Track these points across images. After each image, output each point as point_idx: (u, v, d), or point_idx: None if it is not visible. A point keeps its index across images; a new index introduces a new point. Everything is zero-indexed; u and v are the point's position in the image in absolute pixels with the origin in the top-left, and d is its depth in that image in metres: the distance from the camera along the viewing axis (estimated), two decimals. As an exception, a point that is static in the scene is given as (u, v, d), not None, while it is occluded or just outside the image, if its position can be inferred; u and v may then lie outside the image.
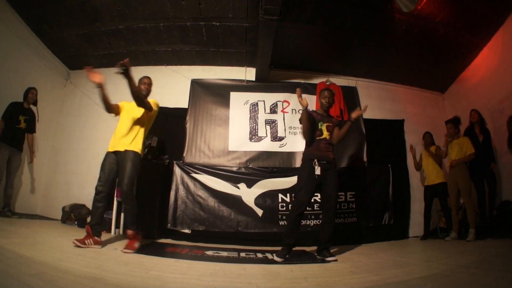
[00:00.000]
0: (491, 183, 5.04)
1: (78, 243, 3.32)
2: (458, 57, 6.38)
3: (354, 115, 3.94)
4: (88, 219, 5.45)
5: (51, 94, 6.42)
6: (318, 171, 3.75)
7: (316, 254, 3.82)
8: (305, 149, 4.03)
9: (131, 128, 3.87)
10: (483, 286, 2.12)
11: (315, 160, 3.80)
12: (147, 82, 4.13)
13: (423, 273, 2.66)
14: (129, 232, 3.68)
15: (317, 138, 3.94)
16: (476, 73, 6.34)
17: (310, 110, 4.05)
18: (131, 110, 3.96)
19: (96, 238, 3.53)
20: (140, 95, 3.75)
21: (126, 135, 3.83)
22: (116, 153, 3.79)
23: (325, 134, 3.93)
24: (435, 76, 6.97)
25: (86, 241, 3.41)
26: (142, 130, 3.96)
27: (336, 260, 3.51)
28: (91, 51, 6.43)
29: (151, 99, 3.98)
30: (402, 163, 6.42)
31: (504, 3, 5.21)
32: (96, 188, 3.74)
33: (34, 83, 5.37)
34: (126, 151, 3.76)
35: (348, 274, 2.77)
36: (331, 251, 3.75)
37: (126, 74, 3.61)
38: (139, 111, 3.88)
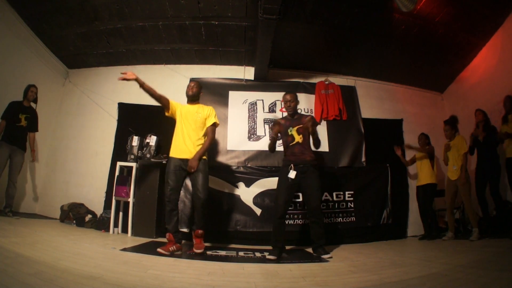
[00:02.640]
0: (495, 181, 5.01)
1: (163, 251, 3.53)
2: (457, 57, 6.39)
3: (310, 129, 3.86)
4: (87, 219, 5.48)
5: (50, 93, 6.40)
6: (292, 174, 3.83)
7: (312, 251, 3.97)
8: (283, 155, 4.19)
9: (197, 136, 4.06)
10: (481, 286, 2.13)
11: (291, 165, 3.90)
12: (192, 85, 4.29)
13: (421, 273, 2.66)
14: (200, 232, 3.89)
15: (290, 144, 4.03)
16: (475, 73, 6.34)
17: (278, 118, 4.13)
18: (196, 117, 4.11)
19: (178, 244, 3.78)
20: (213, 138, 4.24)
21: (193, 143, 4.01)
22: (183, 160, 3.95)
23: (297, 138, 4.00)
24: (434, 75, 6.97)
25: (170, 248, 3.63)
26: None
27: (331, 257, 3.61)
28: (90, 50, 6.41)
29: (209, 108, 4.26)
30: (400, 162, 6.42)
31: (503, 3, 5.22)
32: (168, 197, 3.88)
33: (33, 82, 5.34)
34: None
35: (346, 274, 2.77)
36: (327, 249, 3.88)
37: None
38: (204, 121, 4.13)
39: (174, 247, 3.68)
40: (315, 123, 4.07)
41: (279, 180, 4.04)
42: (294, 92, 4.26)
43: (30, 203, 5.94)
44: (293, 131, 4.01)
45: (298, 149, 3.98)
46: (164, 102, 4.11)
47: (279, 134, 4.20)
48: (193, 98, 4.24)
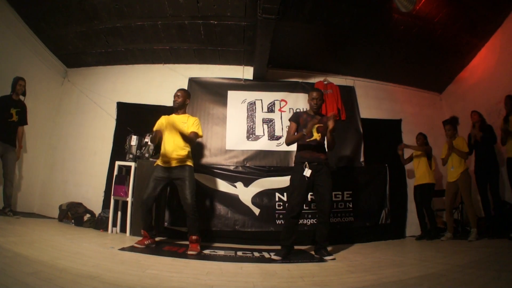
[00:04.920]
0: (494, 181, 5.01)
1: (138, 245, 3.83)
2: (456, 57, 6.39)
3: (330, 125, 3.72)
4: (85, 218, 5.48)
5: (48, 92, 6.40)
6: (307, 173, 3.75)
7: (314, 253, 3.88)
8: (296, 152, 4.05)
9: (181, 143, 4.08)
10: (480, 286, 2.13)
11: (306, 163, 3.80)
12: (177, 95, 4.33)
13: (419, 273, 2.67)
14: (194, 237, 3.97)
15: (307, 140, 3.91)
16: (474, 74, 6.35)
17: (300, 111, 4.03)
18: (182, 126, 4.14)
19: (152, 239, 4.07)
20: (192, 141, 4.20)
21: (177, 151, 4.07)
22: (168, 168, 4.06)
23: (316, 135, 3.88)
24: (433, 76, 6.98)
25: (145, 242, 3.94)
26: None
27: (334, 259, 3.54)
28: (89, 49, 6.40)
29: (194, 119, 4.32)
30: (399, 163, 6.42)
31: (502, 3, 5.23)
32: (144, 201, 3.98)
33: (32, 81, 5.32)
34: (182, 166, 4.06)
35: (345, 273, 2.78)
36: (329, 250, 3.81)
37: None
38: (186, 128, 4.15)
39: (148, 241, 3.97)
40: (335, 119, 4.01)
41: (293, 178, 3.93)
42: (321, 91, 4.20)
43: (28, 202, 5.92)
44: (313, 128, 3.89)
45: (315, 147, 3.88)
46: (158, 136, 4.23)
47: (304, 131, 3.93)
48: (178, 108, 4.31)
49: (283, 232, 3.85)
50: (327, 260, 3.51)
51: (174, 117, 4.26)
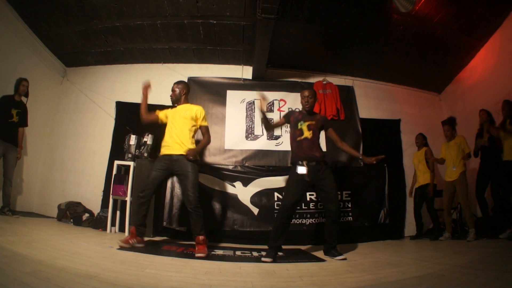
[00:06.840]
0: (496, 181, 4.98)
1: (123, 244, 3.54)
2: (455, 58, 6.41)
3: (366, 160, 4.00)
4: (84, 217, 5.46)
5: (47, 91, 6.40)
6: (301, 170, 3.68)
7: (324, 253, 3.81)
8: (291, 151, 4.00)
9: (184, 132, 3.98)
10: (478, 286, 2.13)
11: (304, 161, 3.74)
12: (172, 89, 4.27)
13: (418, 273, 2.66)
14: (200, 238, 3.72)
15: (298, 139, 3.88)
16: (473, 74, 6.36)
17: (295, 110, 4.03)
18: (184, 114, 4.05)
19: (139, 238, 3.76)
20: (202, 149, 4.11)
21: (182, 143, 3.92)
22: (170, 157, 3.88)
23: (306, 133, 3.84)
24: (432, 76, 6.99)
25: (130, 241, 3.63)
26: (193, 136, 4.08)
27: (345, 259, 3.50)
28: (88, 48, 6.40)
29: (197, 107, 4.17)
30: (398, 163, 6.44)
31: (502, 4, 5.23)
32: (142, 192, 3.81)
33: (30, 80, 5.30)
34: (185, 159, 3.85)
35: (343, 273, 2.77)
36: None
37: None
38: (192, 118, 4.04)
39: (134, 240, 3.69)
40: (328, 122, 4.09)
41: (290, 177, 3.89)
42: (313, 89, 4.18)
43: (27, 201, 5.91)
44: (303, 126, 3.87)
45: (306, 144, 3.81)
46: (152, 118, 4.18)
47: (265, 111, 4.08)
48: (175, 102, 4.25)
49: (272, 232, 3.77)
50: (337, 261, 3.46)
51: (176, 109, 4.17)
